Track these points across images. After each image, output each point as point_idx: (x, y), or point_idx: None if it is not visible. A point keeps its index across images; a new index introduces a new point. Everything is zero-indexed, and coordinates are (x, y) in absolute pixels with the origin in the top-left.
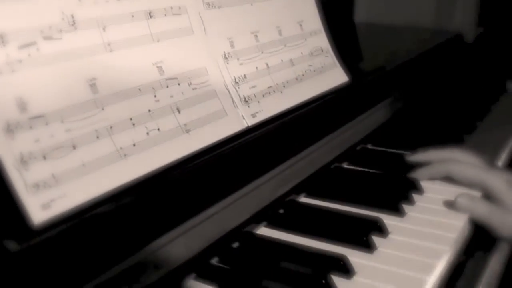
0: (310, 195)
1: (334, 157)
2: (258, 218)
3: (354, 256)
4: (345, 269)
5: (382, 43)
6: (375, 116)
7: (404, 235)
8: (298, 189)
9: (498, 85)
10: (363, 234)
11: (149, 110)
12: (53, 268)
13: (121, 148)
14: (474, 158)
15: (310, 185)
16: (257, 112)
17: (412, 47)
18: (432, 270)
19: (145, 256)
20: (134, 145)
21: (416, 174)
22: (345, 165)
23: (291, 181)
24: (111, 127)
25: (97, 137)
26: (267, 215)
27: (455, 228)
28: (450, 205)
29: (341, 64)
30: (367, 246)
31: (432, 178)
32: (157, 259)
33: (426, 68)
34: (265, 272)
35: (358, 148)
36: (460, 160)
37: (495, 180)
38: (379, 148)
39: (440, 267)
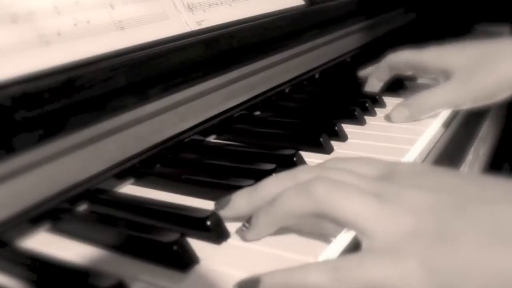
0: (265, 113)
1: (291, 78)
2: (206, 131)
3: (310, 158)
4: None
5: None
6: (335, 45)
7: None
8: (251, 106)
9: (465, 27)
10: (319, 134)
11: (77, 2)
12: None
13: (43, 34)
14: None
15: (264, 103)
16: (202, 21)
17: None
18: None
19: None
20: (59, 33)
21: (367, 85)
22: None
23: (242, 96)
24: (30, 13)
25: (14, 21)
26: (216, 127)
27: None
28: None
29: None
30: (320, 146)
31: (381, 79)
32: (85, 153)
33: (386, 5)
34: (217, 172)
35: (316, 74)
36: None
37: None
38: (339, 73)
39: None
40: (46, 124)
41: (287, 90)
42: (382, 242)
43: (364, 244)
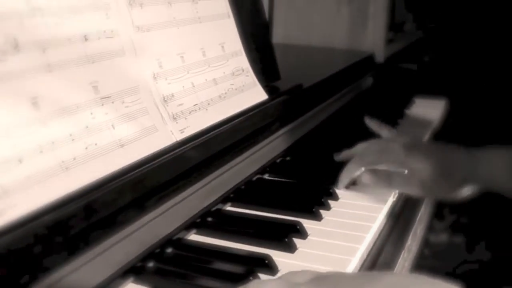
0: (236, 204)
1: (257, 169)
2: (188, 226)
3: (278, 257)
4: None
5: (299, 62)
6: (295, 131)
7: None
8: (224, 199)
9: (405, 99)
10: (285, 235)
11: (87, 127)
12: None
13: (63, 161)
14: (375, 144)
15: (235, 195)
16: (184, 128)
17: (327, 67)
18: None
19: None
20: (74, 158)
21: (337, 183)
22: (266, 176)
23: (217, 191)
24: (53, 143)
25: (41, 152)
26: (196, 223)
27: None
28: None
29: (260, 83)
30: (286, 246)
31: (350, 180)
32: (98, 263)
33: (340, 85)
34: (197, 272)
35: (278, 160)
36: (360, 153)
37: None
38: (297, 161)
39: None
40: (68, 246)
41: (254, 179)
42: None
43: None
